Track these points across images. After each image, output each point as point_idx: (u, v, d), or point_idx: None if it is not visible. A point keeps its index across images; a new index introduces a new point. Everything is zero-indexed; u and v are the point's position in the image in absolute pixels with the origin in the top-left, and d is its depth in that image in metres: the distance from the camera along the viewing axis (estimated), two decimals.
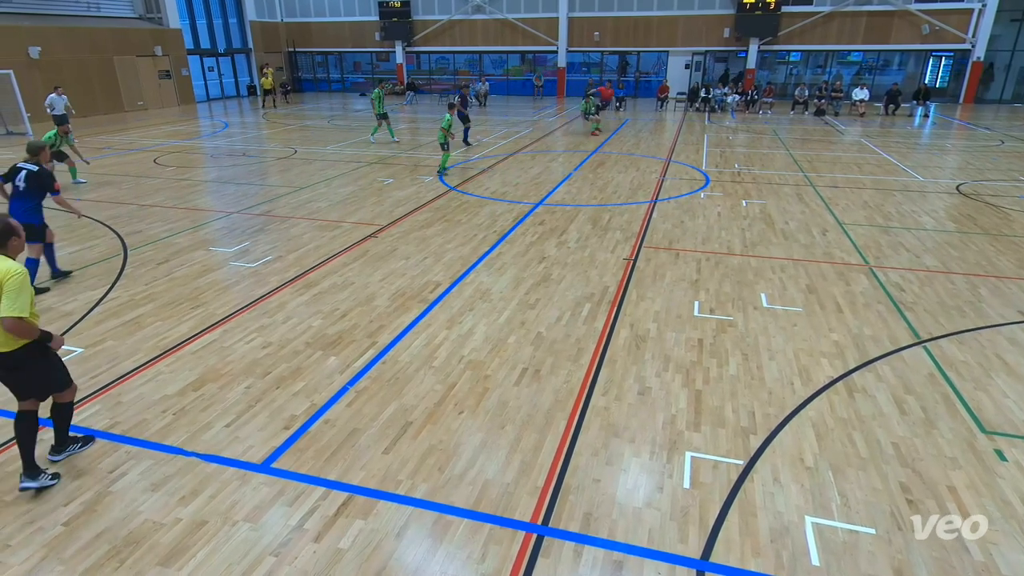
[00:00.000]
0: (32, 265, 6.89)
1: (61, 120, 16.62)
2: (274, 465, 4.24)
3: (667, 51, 31.26)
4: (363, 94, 35.39)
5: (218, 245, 8.96)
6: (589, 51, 32.53)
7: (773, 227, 9.74)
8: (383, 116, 17.89)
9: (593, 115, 20.14)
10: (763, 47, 29.79)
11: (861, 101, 24.58)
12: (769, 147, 17.45)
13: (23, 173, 6.99)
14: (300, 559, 3.45)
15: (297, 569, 3.39)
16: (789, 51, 30.61)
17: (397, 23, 33.50)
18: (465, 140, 17.40)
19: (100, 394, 5.07)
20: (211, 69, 32.29)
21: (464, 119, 17.27)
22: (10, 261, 3.72)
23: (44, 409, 4.10)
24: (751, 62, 29.92)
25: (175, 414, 4.82)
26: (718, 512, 3.81)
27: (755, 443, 4.46)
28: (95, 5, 25.21)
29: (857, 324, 6.37)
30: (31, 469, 3.95)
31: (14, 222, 3.84)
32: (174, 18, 28.05)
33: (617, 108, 27.39)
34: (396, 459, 4.30)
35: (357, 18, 34.95)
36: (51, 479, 4.01)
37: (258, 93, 33.28)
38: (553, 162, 15.38)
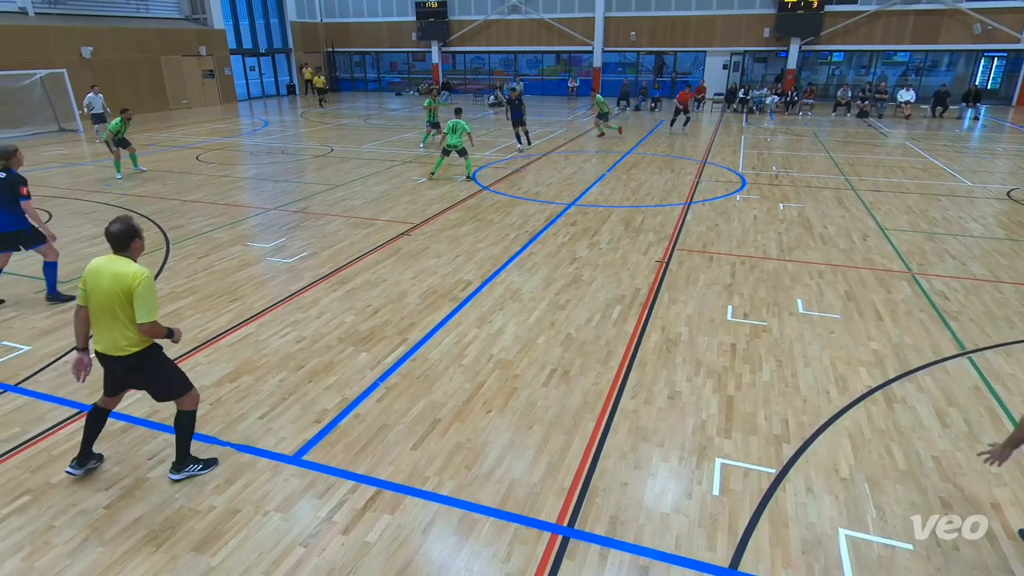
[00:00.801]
0: (50, 268, 6.87)
1: (99, 119, 17.31)
2: (305, 457, 4.32)
3: (704, 51, 30.81)
4: (399, 94, 35.83)
5: (256, 240, 9.17)
6: (625, 51, 32.28)
7: (811, 231, 9.52)
8: (435, 125, 17.18)
9: (603, 120, 19.42)
10: (804, 47, 29.11)
11: (907, 103, 23.83)
12: (809, 149, 17.05)
13: None
14: (328, 551, 3.51)
15: (325, 560, 3.44)
16: (832, 51, 29.85)
17: (433, 23, 33.77)
18: (520, 140, 16.82)
19: None
20: (252, 69, 33.05)
21: (518, 122, 16.60)
22: (134, 264, 3.63)
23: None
24: (792, 62, 29.27)
25: (211, 404, 4.95)
26: (748, 520, 3.74)
27: (788, 452, 4.37)
28: (144, 6, 26.06)
29: (898, 333, 6.18)
30: (82, 457, 4.03)
31: (136, 224, 3.74)
32: (218, 19, 28.79)
33: (652, 109, 27.11)
34: (424, 456, 4.33)
35: (394, 18, 35.34)
36: (96, 461, 4.15)
37: (308, 91, 34.01)
38: (586, 163, 15.30)
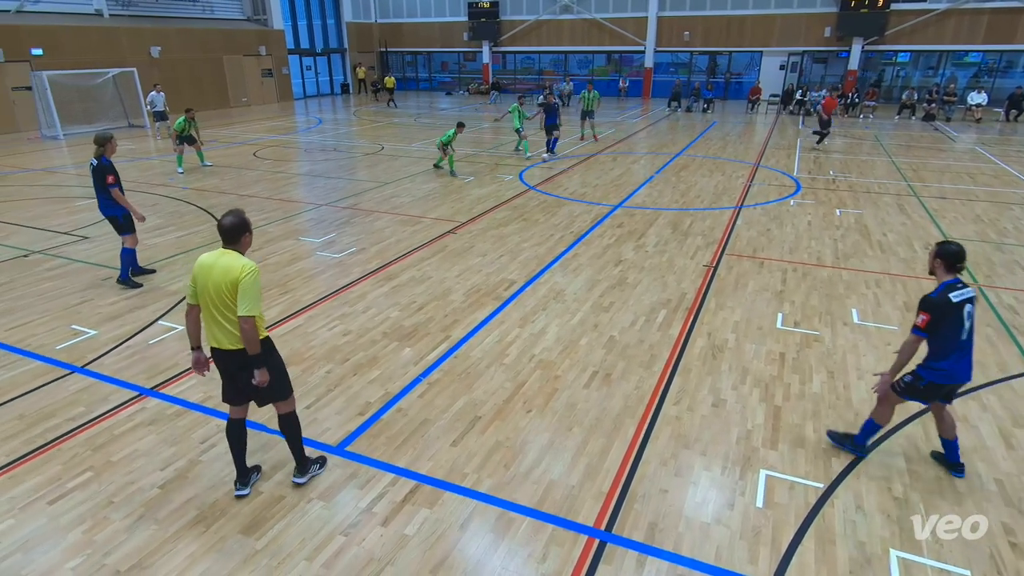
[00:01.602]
0: (128, 254, 7.24)
1: (160, 116, 18.15)
2: (348, 448, 4.41)
3: (761, 51, 29.99)
4: (449, 93, 36.20)
5: (307, 235, 9.42)
6: (678, 51, 31.73)
7: (869, 239, 9.15)
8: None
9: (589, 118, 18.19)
10: (868, 47, 27.99)
11: (978, 106, 22.64)
12: (869, 153, 16.40)
13: (90, 168, 6.94)
14: (367, 541, 3.58)
15: (364, 550, 3.51)
16: (897, 51, 28.60)
17: (485, 23, 33.98)
18: (550, 147, 15.88)
19: None
20: (308, 68, 33.99)
21: (552, 128, 15.74)
22: (243, 258, 3.59)
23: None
24: (853, 63, 28.19)
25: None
26: (793, 535, 3.62)
27: (837, 466, 4.22)
28: (209, 7, 27.11)
29: None
30: (242, 476, 3.96)
31: (247, 217, 3.70)
32: (278, 19, 29.71)
33: (704, 110, 26.58)
34: (463, 452, 4.37)
35: (447, 19, 35.72)
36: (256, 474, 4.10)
37: (361, 90, 34.88)
38: (635, 164, 15.12)
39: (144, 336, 6.11)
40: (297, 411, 4.59)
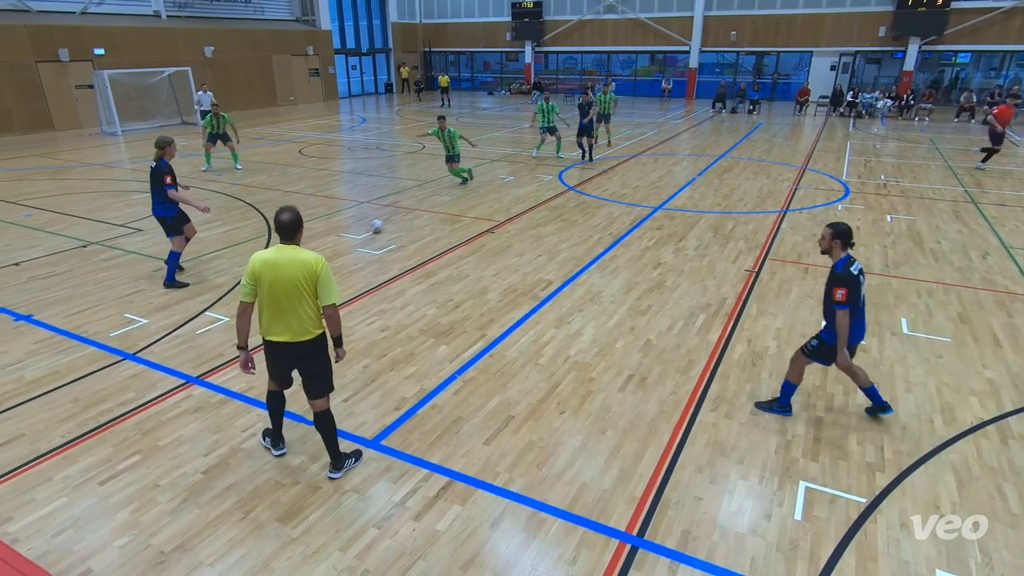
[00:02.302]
0: (172, 257, 7.33)
1: (206, 115, 18.72)
2: (383, 442, 4.48)
3: (811, 51, 29.17)
4: (490, 93, 36.38)
5: (348, 232, 9.60)
6: (724, 51, 31.14)
7: (922, 246, 8.81)
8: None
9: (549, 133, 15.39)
10: (925, 47, 26.93)
11: None
12: (924, 158, 15.78)
13: (149, 171, 7.13)
14: (400, 535, 3.63)
15: (396, 543, 3.56)
16: (957, 52, 27.43)
17: (528, 23, 34.01)
18: (584, 153, 14.96)
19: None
20: (354, 68, 34.62)
21: (585, 131, 14.57)
22: (308, 251, 3.72)
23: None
24: (909, 64, 27.17)
25: (300, 385, 5.22)
26: (832, 551, 3.51)
27: (882, 481, 4.07)
28: (260, 8, 27.88)
29: (1019, 361, 5.61)
30: (278, 439, 4.29)
31: (299, 214, 3.78)
32: (326, 20, 30.34)
33: (750, 111, 26.02)
34: (496, 451, 4.38)
35: (490, 19, 35.89)
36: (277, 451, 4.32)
37: (404, 90, 35.37)
38: (676, 166, 14.91)
39: (191, 326, 6.32)
40: (335, 404, 4.68)
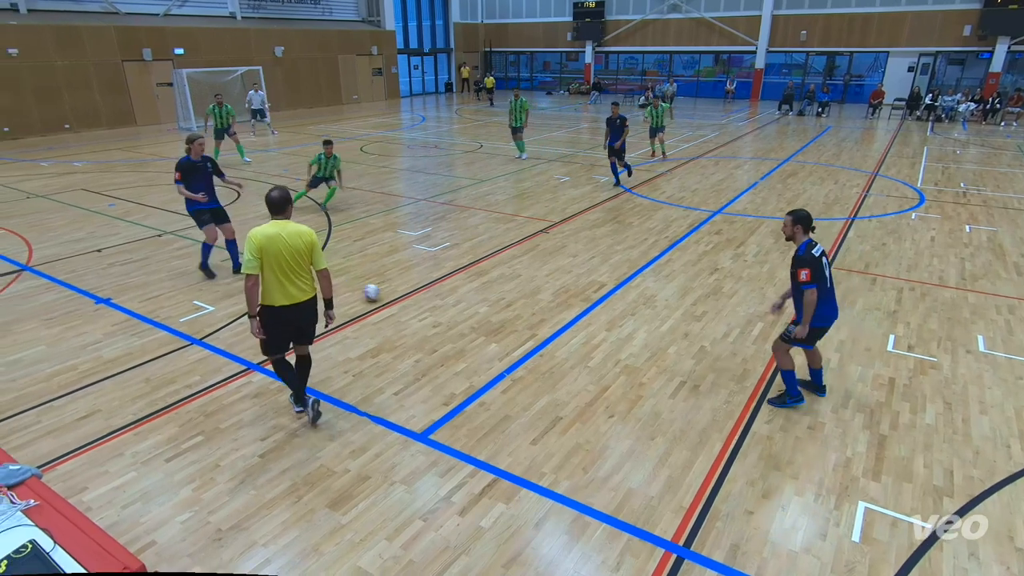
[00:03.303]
0: (207, 250, 7.50)
1: (260, 114, 19.39)
2: (431, 437, 4.55)
3: (887, 51, 27.79)
4: (549, 93, 36.34)
5: (405, 228, 9.78)
6: (792, 51, 30.05)
7: (1004, 259, 8.26)
8: (660, 130, 15.24)
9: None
10: (1014, 47, 25.21)
11: None
12: (1010, 165, 14.79)
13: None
14: (444, 528, 3.67)
15: (441, 537, 3.61)
16: None
17: (590, 23, 33.79)
18: (615, 174, 12.74)
19: None
20: (416, 67, 35.26)
21: (613, 151, 12.31)
22: (300, 224, 4.27)
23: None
24: (996, 65, 25.49)
25: (354, 376, 5.38)
26: None
27: (950, 507, 3.84)
28: (328, 9, 28.77)
29: None
30: (299, 397, 4.67)
31: (288, 192, 4.33)
32: (391, 20, 31.04)
33: (819, 114, 25.02)
34: (542, 451, 4.38)
35: (551, 19, 35.84)
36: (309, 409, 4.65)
37: (464, 89, 35.82)
38: (738, 169, 14.50)
39: None
40: (385, 396, 4.78)
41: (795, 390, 4.89)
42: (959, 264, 8.08)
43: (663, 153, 15.78)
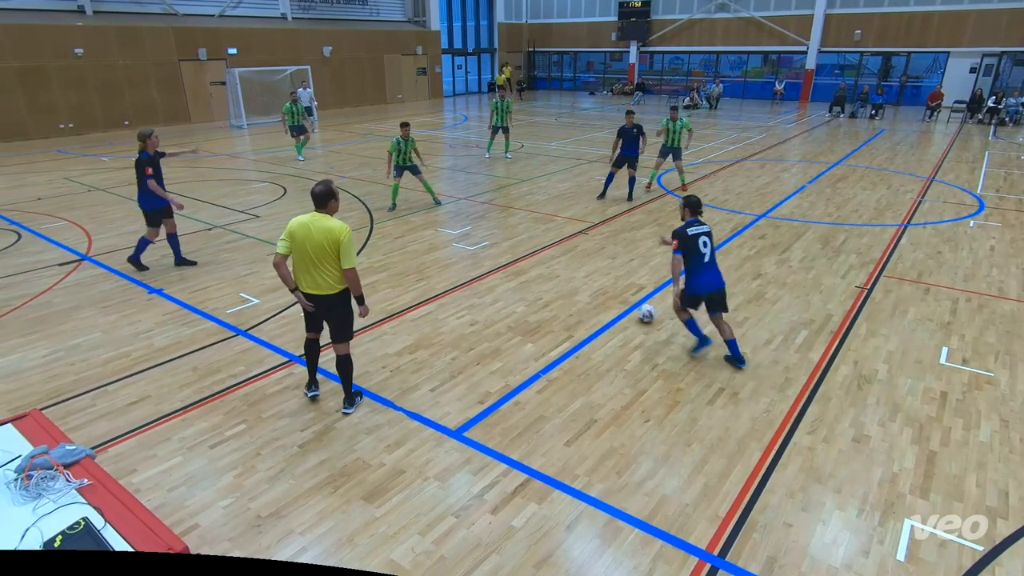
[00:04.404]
0: (143, 243, 7.66)
1: (307, 111, 19.83)
2: (466, 434, 4.58)
3: (947, 51, 26.61)
4: (592, 93, 36.11)
5: (445, 227, 9.87)
6: (846, 52, 29.09)
7: None
8: (676, 153, 11.89)
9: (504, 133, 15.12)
10: None
11: None
12: None
13: (136, 159, 7.41)
14: (476, 526, 3.69)
15: (472, 534, 3.63)
16: None
17: (634, 23, 33.42)
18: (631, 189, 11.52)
19: None
20: (459, 67, 35.53)
21: (624, 160, 11.17)
22: (336, 220, 4.35)
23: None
24: None
25: (392, 371, 5.45)
26: None
27: (1004, 530, 3.66)
28: (376, 10, 29.25)
29: None
30: (313, 382, 4.98)
31: (335, 187, 4.44)
32: (435, 21, 31.36)
33: (872, 116, 24.16)
34: (576, 453, 4.36)
35: (596, 19, 35.60)
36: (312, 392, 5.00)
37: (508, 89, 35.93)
38: (785, 172, 14.13)
39: (297, 308, 6.75)
40: (423, 392, 4.83)
41: (699, 334, 5.62)
42: (1021, 275, 7.69)
43: (682, 185, 12.17)
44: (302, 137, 15.04)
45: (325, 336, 4.73)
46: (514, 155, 16.18)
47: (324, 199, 4.37)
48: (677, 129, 11.60)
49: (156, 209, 7.60)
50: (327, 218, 4.35)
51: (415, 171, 10.50)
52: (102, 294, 7.15)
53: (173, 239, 7.94)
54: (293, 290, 4.51)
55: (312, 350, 4.87)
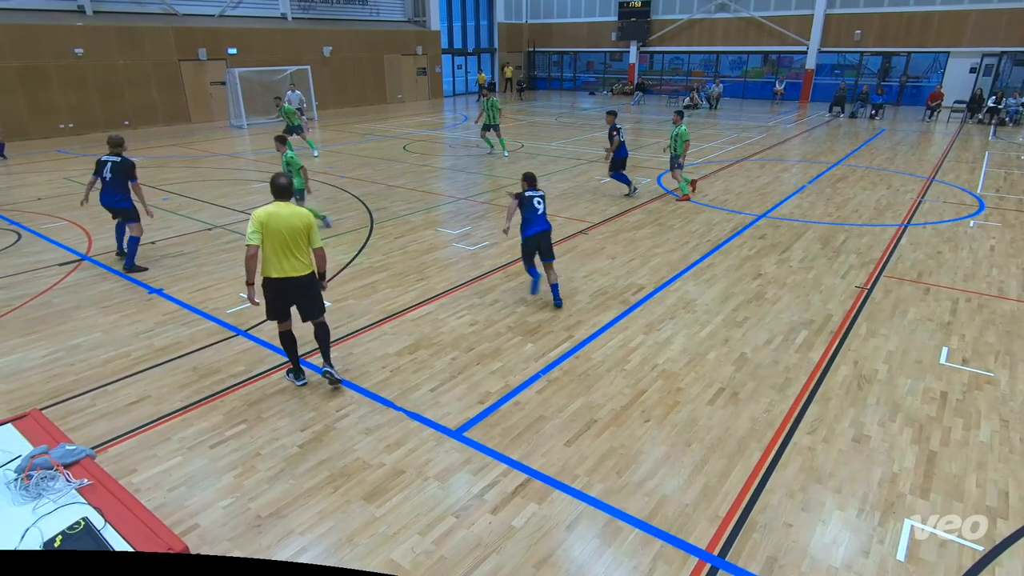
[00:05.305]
0: (134, 242, 7.79)
1: (297, 111, 19.88)
2: (466, 434, 4.58)
3: (947, 51, 26.61)
4: (592, 93, 36.12)
5: (445, 227, 9.87)
6: (846, 51, 29.09)
7: None
8: (676, 161, 11.29)
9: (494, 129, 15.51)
10: None
11: None
12: None
13: (109, 164, 7.57)
14: (476, 526, 3.69)
15: (472, 534, 3.63)
16: None
17: (634, 23, 33.41)
18: (629, 184, 11.67)
19: (338, 343, 5.94)
20: (459, 67, 35.53)
21: (615, 166, 11.32)
22: (300, 207, 4.79)
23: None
24: None
25: (392, 371, 5.45)
26: None
27: (1004, 530, 3.66)
28: (376, 10, 29.25)
29: None
30: (298, 371, 5.22)
31: (292, 180, 4.85)
32: (435, 21, 31.36)
33: (872, 116, 24.17)
34: (576, 453, 4.36)
35: (596, 19, 35.60)
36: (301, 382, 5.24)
37: (507, 89, 35.92)
38: (785, 172, 14.13)
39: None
40: (422, 393, 4.83)
41: (531, 271, 6.87)
42: (1021, 275, 7.69)
43: (685, 192, 11.41)
44: (306, 136, 15.65)
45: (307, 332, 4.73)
46: (512, 154, 16.18)
47: (288, 191, 4.77)
48: (671, 136, 11.22)
49: (130, 208, 7.80)
50: (291, 205, 4.72)
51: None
52: (102, 294, 7.15)
53: (130, 240, 8.01)
54: (250, 284, 4.74)
55: (290, 340, 5.07)
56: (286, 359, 5.66)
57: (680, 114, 11.26)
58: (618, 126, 11.15)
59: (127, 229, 7.92)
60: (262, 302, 4.90)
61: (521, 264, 8.33)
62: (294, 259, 4.70)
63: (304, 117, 18.91)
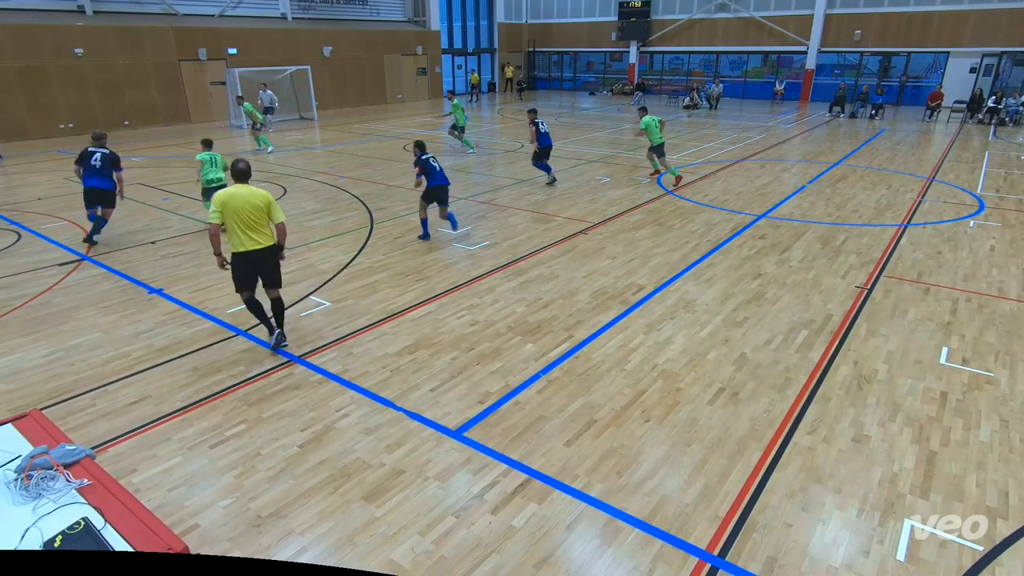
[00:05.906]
0: (104, 222, 8.78)
1: (268, 111, 19.86)
2: (466, 434, 4.58)
3: (947, 51, 26.61)
4: (592, 93, 36.13)
5: (445, 227, 9.86)
6: (846, 51, 29.09)
7: None
8: (659, 149, 12.41)
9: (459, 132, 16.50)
10: None
11: None
12: None
13: (98, 155, 8.70)
14: (476, 526, 3.69)
15: (472, 534, 3.63)
16: None
17: (634, 23, 33.42)
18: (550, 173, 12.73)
19: (338, 343, 5.94)
20: (459, 67, 35.53)
21: (538, 156, 12.56)
22: (258, 188, 5.33)
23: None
24: None
25: (392, 371, 5.45)
26: None
27: (1004, 530, 3.67)
28: (376, 10, 29.25)
29: None
30: (271, 328, 5.76)
31: (250, 164, 5.45)
32: (435, 21, 31.36)
33: (872, 116, 24.17)
34: (576, 453, 4.36)
35: (596, 19, 35.61)
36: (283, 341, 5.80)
37: (507, 89, 35.87)
38: (785, 172, 14.13)
39: (296, 309, 6.75)
40: (422, 392, 4.84)
41: (425, 230, 8.93)
42: (1021, 275, 7.69)
43: (674, 177, 12.49)
44: (261, 133, 16.61)
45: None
46: (511, 153, 16.17)
47: (247, 174, 5.36)
48: (642, 127, 12.54)
49: (114, 191, 8.88)
50: (250, 187, 5.29)
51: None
52: (102, 294, 7.15)
53: (102, 219, 8.89)
54: (217, 254, 5.39)
55: (255, 304, 5.61)
56: (291, 360, 5.66)
57: (644, 109, 12.85)
58: (537, 120, 12.55)
59: (101, 212, 8.77)
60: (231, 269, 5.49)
61: (518, 264, 8.33)
62: (255, 234, 5.27)
63: (268, 117, 19.27)
